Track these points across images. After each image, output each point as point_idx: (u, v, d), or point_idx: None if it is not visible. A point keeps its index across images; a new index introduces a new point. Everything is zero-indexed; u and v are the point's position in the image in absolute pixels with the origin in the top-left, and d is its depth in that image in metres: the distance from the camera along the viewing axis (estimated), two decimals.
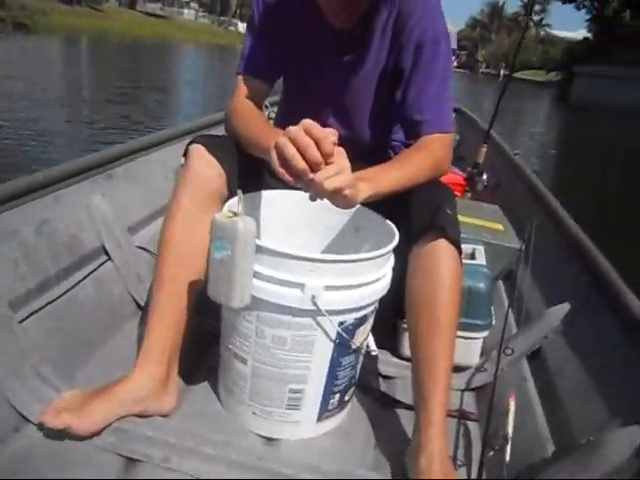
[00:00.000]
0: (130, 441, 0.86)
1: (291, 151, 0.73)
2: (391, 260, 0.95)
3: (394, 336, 1.24)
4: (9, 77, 8.12)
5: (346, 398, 1.01)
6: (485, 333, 1.21)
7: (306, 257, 0.81)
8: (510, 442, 0.88)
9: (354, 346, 0.93)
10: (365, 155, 0.97)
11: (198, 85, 12.26)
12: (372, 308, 0.94)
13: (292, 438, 0.97)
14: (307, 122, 0.73)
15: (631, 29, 22.43)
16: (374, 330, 1.03)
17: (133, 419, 0.89)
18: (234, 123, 1.05)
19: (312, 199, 0.77)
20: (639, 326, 0.93)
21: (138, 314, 1.26)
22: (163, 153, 1.58)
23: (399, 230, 0.94)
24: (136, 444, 0.86)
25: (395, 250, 0.92)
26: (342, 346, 0.91)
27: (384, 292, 0.93)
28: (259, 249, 0.82)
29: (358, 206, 0.87)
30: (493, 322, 1.22)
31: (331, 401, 0.97)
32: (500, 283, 1.59)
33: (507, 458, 0.86)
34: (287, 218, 1.08)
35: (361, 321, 0.92)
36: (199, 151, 0.97)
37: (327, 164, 0.73)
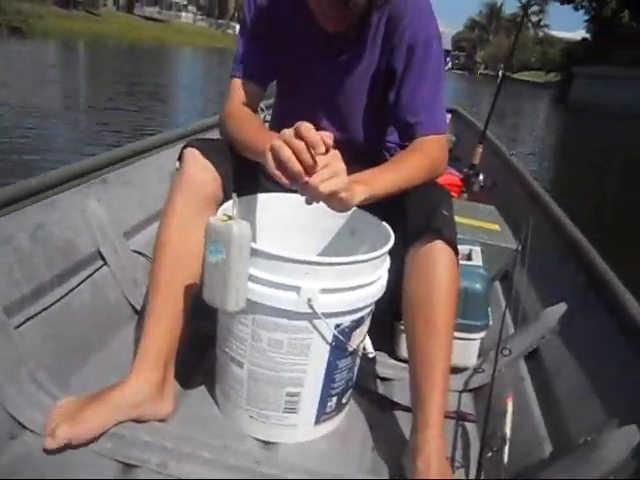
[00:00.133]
0: (127, 446, 0.86)
1: (286, 153, 0.73)
2: (387, 262, 0.95)
3: (391, 338, 1.23)
4: (3, 84, 8.08)
5: (343, 401, 1.00)
6: (482, 334, 1.21)
7: (302, 260, 0.81)
8: (508, 443, 0.88)
9: (351, 348, 0.93)
10: (360, 157, 0.97)
11: (196, 89, 12.25)
12: (368, 310, 0.94)
13: (289, 442, 0.97)
14: (302, 125, 0.73)
15: (630, 30, 22.46)
16: (371, 332, 1.03)
17: (130, 424, 0.89)
18: (229, 127, 1.05)
19: (308, 203, 0.77)
20: (636, 326, 0.93)
21: (134, 319, 1.26)
22: (158, 157, 1.58)
23: (395, 232, 0.94)
24: (133, 449, 0.86)
25: (392, 252, 0.92)
26: (339, 349, 0.91)
27: (380, 294, 0.93)
28: (255, 252, 0.82)
29: (354, 208, 0.87)
30: (490, 323, 1.22)
31: (328, 404, 0.96)
32: (497, 284, 1.59)
33: (505, 459, 0.86)
34: (283, 221, 1.07)
35: (357, 323, 0.92)
36: (194, 155, 0.97)
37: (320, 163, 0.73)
